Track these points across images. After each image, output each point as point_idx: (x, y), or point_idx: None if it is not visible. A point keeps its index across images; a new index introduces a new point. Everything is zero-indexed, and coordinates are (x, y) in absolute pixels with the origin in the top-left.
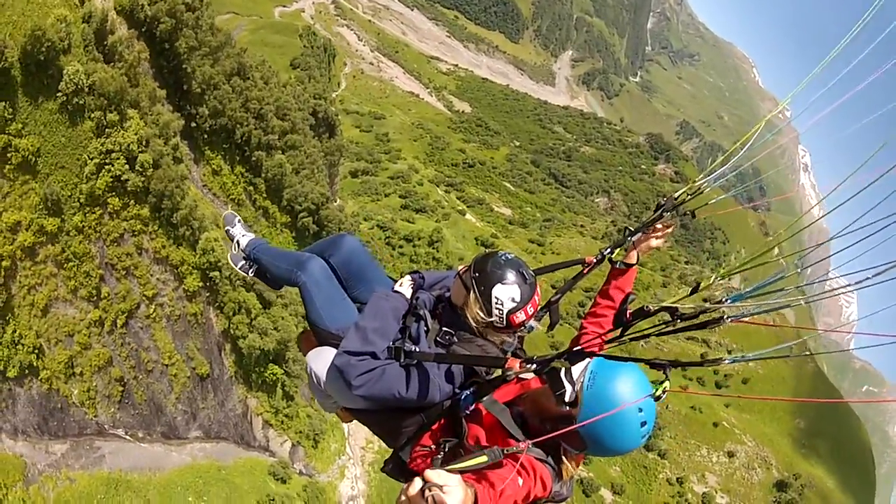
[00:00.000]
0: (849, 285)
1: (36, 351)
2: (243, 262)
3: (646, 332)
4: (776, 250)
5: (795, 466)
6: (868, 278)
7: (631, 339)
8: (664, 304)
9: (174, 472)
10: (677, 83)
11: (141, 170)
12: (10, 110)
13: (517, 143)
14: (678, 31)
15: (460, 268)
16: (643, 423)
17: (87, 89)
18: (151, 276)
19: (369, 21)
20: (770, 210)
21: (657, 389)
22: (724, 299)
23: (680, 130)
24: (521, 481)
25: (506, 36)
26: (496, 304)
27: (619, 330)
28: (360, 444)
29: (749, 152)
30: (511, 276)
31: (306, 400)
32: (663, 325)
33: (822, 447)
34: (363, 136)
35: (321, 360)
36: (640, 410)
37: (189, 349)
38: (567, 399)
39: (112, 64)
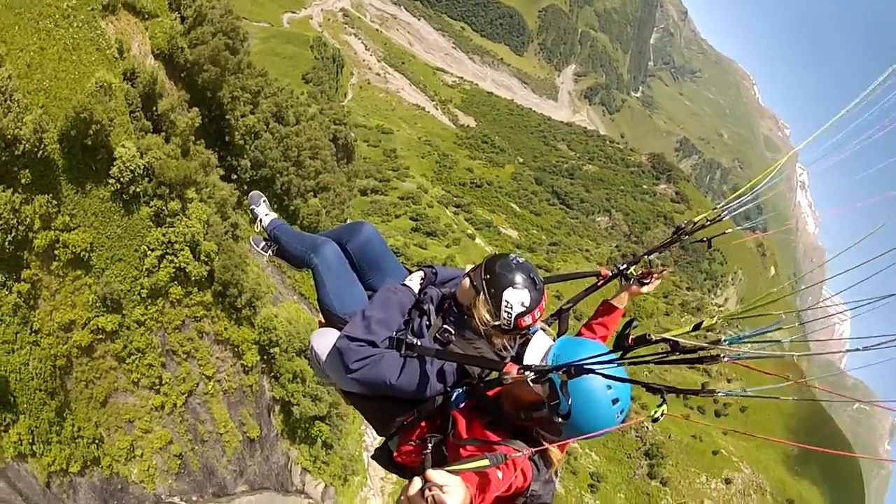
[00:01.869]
0: (844, 311)
1: (96, 441)
2: (264, 242)
3: (644, 359)
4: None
5: (789, 491)
6: (863, 303)
7: (630, 363)
8: (666, 335)
9: None
10: (678, 99)
11: (206, 259)
12: (55, 202)
13: (521, 160)
14: (681, 47)
15: (469, 267)
16: (615, 401)
17: (142, 172)
18: (211, 355)
19: (377, 30)
20: (767, 230)
21: (656, 412)
22: (722, 339)
23: (679, 147)
24: (500, 475)
25: (511, 48)
26: (506, 307)
27: (620, 353)
28: (380, 475)
29: (762, 183)
30: (522, 280)
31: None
32: (663, 355)
33: (814, 471)
34: (371, 151)
35: (324, 340)
36: (609, 388)
37: (242, 416)
38: (560, 412)
39: (163, 133)
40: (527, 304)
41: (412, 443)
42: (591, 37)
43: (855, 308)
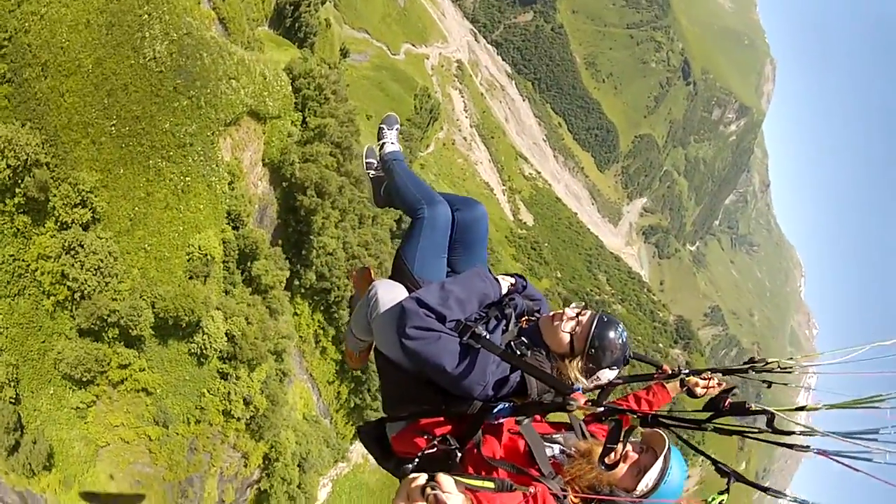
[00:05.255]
0: None
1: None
2: (375, 162)
3: (732, 429)
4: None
5: None
6: None
7: (716, 430)
8: (768, 407)
9: None
10: (727, 266)
11: (254, 410)
12: (136, 354)
13: (559, 276)
14: (749, 217)
15: (576, 310)
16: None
17: (223, 341)
18: (224, 453)
19: (481, 94)
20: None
21: (714, 499)
22: (821, 431)
23: (709, 314)
24: None
25: (595, 161)
26: (595, 380)
27: (710, 414)
28: None
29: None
30: (621, 362)
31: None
32: (756, 431)
33: None
34: None
35: (391, 293)
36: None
37: (226, 487)
38: (607, 461)
39: (250, 286)
40: (612, 378)
41: (422, 434)
42: (672, 178)
43: None
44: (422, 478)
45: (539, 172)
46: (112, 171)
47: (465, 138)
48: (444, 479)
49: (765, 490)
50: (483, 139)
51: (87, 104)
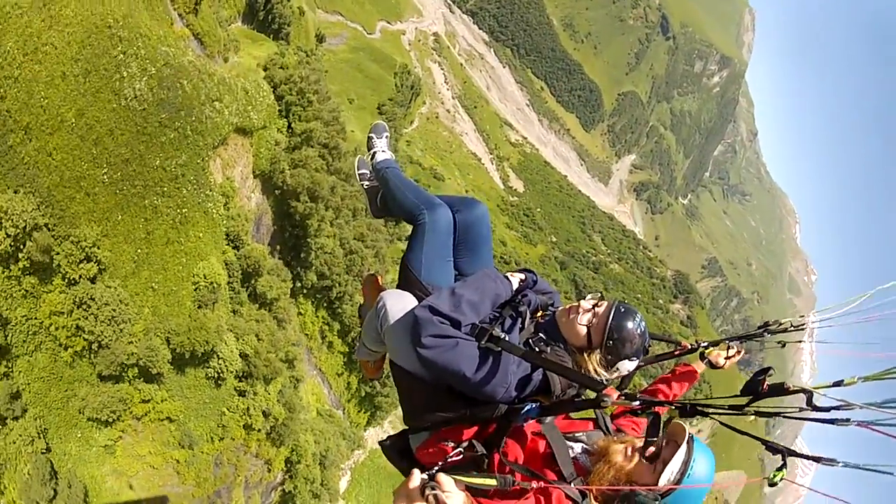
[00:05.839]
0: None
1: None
2: (367, 172)
3: (771, 411)
4: None
5: None
6: None
7: (756, 413)
8: (805, 386)
9: None
10: (721, 217)
11: (274, 420)
12: (156, 388)
13: (554, 240)
14: (739, 167)
15: (593, 301)
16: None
17: (238, 362)
18: (248, 462)
19: (461, 65)
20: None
21: (775, 475)
22: (860, 404)
23: (707, 266)
24: None
25: (580, 122)
26: (615, 372)
27: (749, 398)
28: None
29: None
30: (641, 351)
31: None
32: (796, 409)
33: None
34: None
35: (400, 302)
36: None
37: (252, 493)
38: (647, 454)
39: (256, 303)
40: (632, 369)
41: (447, 442)
42: (659, 133)
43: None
44: (417, 478)
45: (525, 138)
46: (110, 219)
47: (448, 111)
48: (444, 479)
49: (817, 460)
50: (466, 110)
51: (76, 158)
